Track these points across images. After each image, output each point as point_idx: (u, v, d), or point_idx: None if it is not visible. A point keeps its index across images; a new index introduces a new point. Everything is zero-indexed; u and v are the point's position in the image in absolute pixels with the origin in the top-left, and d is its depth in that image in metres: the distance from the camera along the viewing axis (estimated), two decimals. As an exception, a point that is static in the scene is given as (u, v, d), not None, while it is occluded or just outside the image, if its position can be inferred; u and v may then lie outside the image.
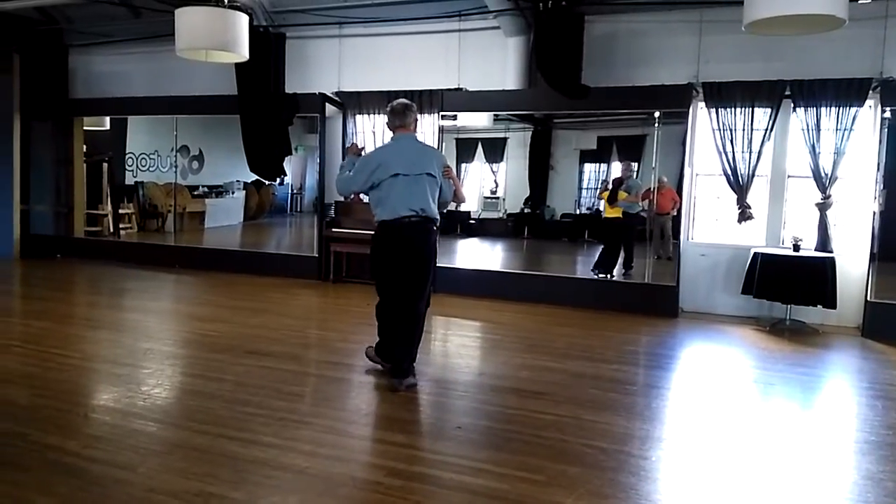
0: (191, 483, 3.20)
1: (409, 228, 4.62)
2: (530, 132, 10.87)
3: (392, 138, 4.87)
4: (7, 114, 10.57)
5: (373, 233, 4.80)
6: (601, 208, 9.42)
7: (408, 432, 4.01)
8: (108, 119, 11.94)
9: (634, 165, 9.35)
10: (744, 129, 7.28)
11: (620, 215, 8.88)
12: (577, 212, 10.56)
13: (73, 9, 9.56)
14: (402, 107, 4.79)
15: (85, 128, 11.35)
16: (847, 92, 6.89)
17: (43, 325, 6.45)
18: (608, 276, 8.55)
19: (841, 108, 6.94)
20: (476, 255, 11.35)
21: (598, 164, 10.72)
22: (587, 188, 11.01)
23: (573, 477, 3.40)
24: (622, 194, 8.84)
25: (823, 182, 7.08)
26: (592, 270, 8.79)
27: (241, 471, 3.34)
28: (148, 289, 8.79)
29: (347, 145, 4.85)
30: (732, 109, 7.29)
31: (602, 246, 8.96)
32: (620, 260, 8.78)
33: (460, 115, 8.91)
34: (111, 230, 12.30)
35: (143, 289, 8.76)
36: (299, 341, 6.26)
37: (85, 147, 11.39)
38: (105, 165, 12.52)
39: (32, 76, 10.55)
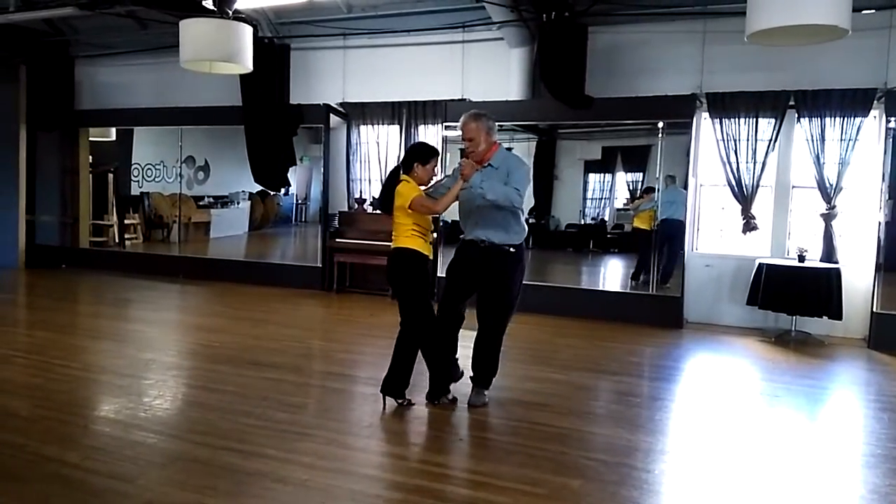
0: (189, 495, 3.18)
1: None
2: (534, 142, 10.84)
3: (504, 149, 4.61)
4: (13, 125, 10.64)
5: (514, 249, 4.60)
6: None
7: (409, 444, 3.99)
8: (113, 130, 11.97)
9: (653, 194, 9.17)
10: (748, 140, 7.28)
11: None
12: (582, 222, 10.49)
13: (80, 20, 9.61)
14: None
15: (91, 138, 11.39)
16: (851, 102, 6.88)
17: (46, 336, 6.46)
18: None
19: (845, 119, 6.93)
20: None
21: (602, 175, 10.67)
22: (592, 198, 10.95)
23: (575, 490, 3.38)
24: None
25: (828, 192, 7.05)
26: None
27: (241, 483, 3.33)
28: (152, 299, 8.80)
29: (459, 163, 4.46)
30: (736, 120, 7.29)
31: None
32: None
33: (464, 125, 8.92)
34: (116, 241, 12.31)
35: (146, 299, 8.78)
36: (302, 352, 6.24)
37: (91, 158, 11.44)
38: (110, 176, 12.54)
39: (39, 87, 10.62)
